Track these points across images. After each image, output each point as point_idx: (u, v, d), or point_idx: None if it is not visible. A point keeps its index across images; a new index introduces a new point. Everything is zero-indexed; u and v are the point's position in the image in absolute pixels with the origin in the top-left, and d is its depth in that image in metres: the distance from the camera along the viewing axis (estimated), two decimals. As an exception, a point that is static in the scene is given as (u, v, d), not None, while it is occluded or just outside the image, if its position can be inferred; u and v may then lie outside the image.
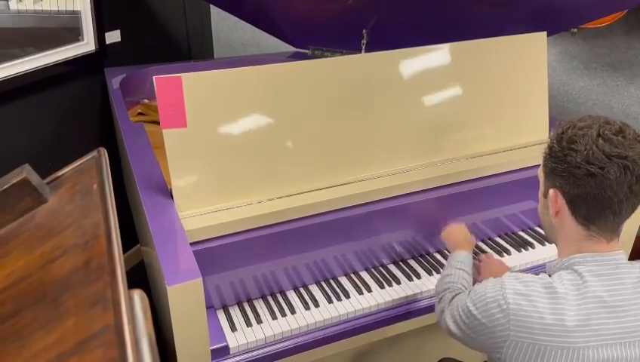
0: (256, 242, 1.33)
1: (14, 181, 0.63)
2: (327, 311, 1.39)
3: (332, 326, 1.38)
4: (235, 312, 1.38)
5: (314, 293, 1.44)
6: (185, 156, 1.32)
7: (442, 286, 1.24)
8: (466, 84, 1.62)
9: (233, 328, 1.32)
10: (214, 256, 1.29)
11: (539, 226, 1.75)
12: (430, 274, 1.52)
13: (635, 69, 2.42)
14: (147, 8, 2.50)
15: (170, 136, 1.29)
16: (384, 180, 1.48)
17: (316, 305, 1.40)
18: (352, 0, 1.99)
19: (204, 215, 1.32)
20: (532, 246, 1.65)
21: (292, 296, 1.44)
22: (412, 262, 1.57)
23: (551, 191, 1.01)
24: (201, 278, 1.11)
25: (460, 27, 1.84)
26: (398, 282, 1.49)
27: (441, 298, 1.21)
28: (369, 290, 1.46)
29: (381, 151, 1.52)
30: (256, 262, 1.36)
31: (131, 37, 2.37)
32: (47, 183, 0.69)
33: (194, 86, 1.29)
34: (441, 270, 1.53)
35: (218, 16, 3.03)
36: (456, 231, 1.44)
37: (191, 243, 1.23)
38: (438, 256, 1.60)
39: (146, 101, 2.25)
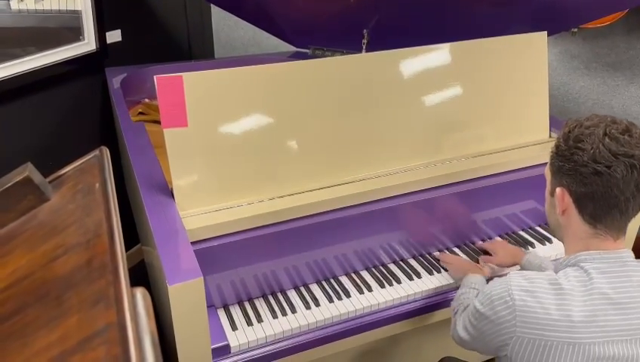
0: (257, 241, 1.33)
1: (17, 179, 0.64)
2: (328, 311, 1.39)
3: (333, 326, 1.38)
4: (235, 311, 1.38)
5: (314, 292, 1.45)
6: (186, 155, 1.32)
7: (457, 301, 1.27)
8: (467, 83, 1.62)
9: (234, 327, 1.33)
10: (215, 255, 1.29)
11: (539, 226, 1.75)
12: (431, 273, 1.53)
13: (635, 69, 2.42)
14: (148, 8, 2.50)
15: (171, 136, 1.29)
16: (384, 180, 1.48)
17: (317, 304, 1.41)
18: (353, 0, 1.99)
19: (204, 214, 1.32)
20: (532, 245, 1.65)
21: (293, 295, 1.44)
22: (412, 262, 1.57)
23: (558, 189, 1.01)
24: (202, 277, 1.11)
25: (460, 27, 1.84)
26: (399, 281, 1.49)
27: (455, 312, 1.24)
28: (370, 290, 1.46)
29: (382, 150, 1.52)
30: (257, 261, 1.37)
31: (132, 36, 2.37)
32: (50, 182, 0.69)
33: (195, 85, 1.29)
34: (441, 269, 1.54)
35: (219, 16, 3.03)
36: (460, 263, 1.50)
37: (192, 243, 1.23)
38: (438, 256, 1.60)
39: (146, 100, 2.25)
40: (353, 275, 1.52)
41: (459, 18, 1.97)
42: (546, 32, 1.70)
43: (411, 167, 1.55)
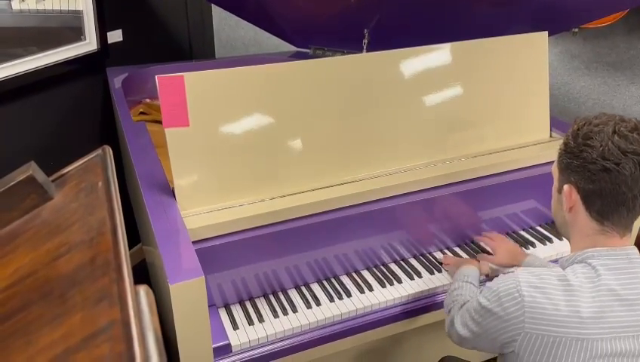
0: (258, 241, 1.33)
1: (20, 178, 0.64)
2: (329, 310, 1.39)
3: (333, 325, 1.38)
4: (237, 310, 1.38)
5: (315, 292, 1.45)
6: (187, 155, 1.32)
7: (451, 298, 1.27)
8: (467, 83, 1.62)
9: (235, 326, 1.33)
10: (216, 254, 1.29)
11: (540, 226, 1.75)
12: (431, 273, 1.53)
13: (636, 69, 2.42)
14: (149, 8, 2.51)
15: (172, 135, 1.29)
16: (385, 179, 1.49)
17: (318, 303, 1.41)
18: (353, 0, 1.99)
19: (206, 213, 1.32)
20: (533, 245, 1.66)
21: (294, 294, 1.44)
22: (413, 261, 1.57)
23: (565, 186, 1.02)
24: (203, 277, 1.11)
25: (461, 27, 1.85)
26: (400, 281, 1.49)
27: (450, 309, 1.23)
28: (370, 289, 1.46)
29: (382, 150, 1.53)
30: (258, 260, 1.37)
31: (133, 36, 2.37)
32: (53, 181, 0.69)
33: (196, 85, 1.30)
34: (442, 269, 1.54)
35: (219, 16, 3.03)
36: (457, 260, 1.51)
37: (193, 242, 1.23)
38: (439, 255, 1.61)
39: (147, 100, 2.25)
40: (354, 275, 1.52)
41: (459, 18, 1.97)
42: (546, 32, 1.71)
43: (411, 166, 1.55)
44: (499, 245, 1.55)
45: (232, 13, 2.45)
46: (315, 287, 1.47)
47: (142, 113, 2.22)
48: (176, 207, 1.31)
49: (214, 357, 1.26)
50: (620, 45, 2.42)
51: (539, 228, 1.74)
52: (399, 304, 1.45)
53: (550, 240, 1.68)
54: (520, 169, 1.63)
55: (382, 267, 1.55)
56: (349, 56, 1.54)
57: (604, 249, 0.99)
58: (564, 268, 1.03)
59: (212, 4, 2.90)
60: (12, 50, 1.82)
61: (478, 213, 1.62)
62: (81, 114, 2.19)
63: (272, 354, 1.32)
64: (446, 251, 1.63)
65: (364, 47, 2.11)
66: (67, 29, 2.01)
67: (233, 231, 1.31)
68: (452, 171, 1.54)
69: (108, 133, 2.30)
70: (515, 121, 1.70)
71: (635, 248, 1.01)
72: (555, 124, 1.79)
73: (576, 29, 2.28)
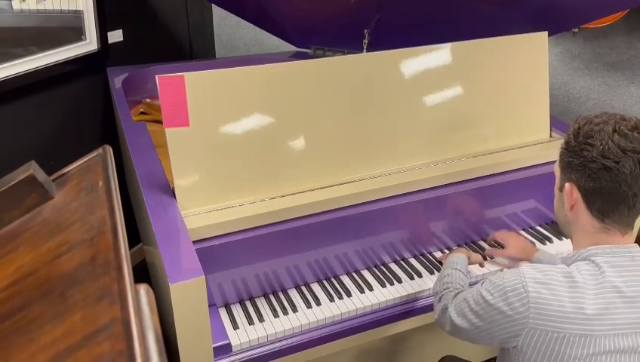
0: (258, 240, 1.33)
1: (21, 178, 0.64)
2: (329, 310, 1.39)
3: (334, 325, 1.38)
4: (237, 310, 1.38)
5: (316, 292, 1.45)
6: (187, 155, 1.32)
7: (441, 285, 1.26)
8: (467, 83, 1.63)
9: (235, 326, 1.33)
10: (216, 254, 1.29)
11: (540, 225, 1.75)
12: (432, 273, 1.53)
13: (635, 69, 2.43)
14: (149, 8, 2.51)
15: (172, 135, 1.30)
16: (385, 179, 1.49)
17: (318, 303, 1.41)
18: (353, 0, 2.00)
19: (206, 213, 1.33)
20: (533, 244, 1.66)
21: (294, 294, 1.44)
22: (413, 261, 1.57)
23: (567, 184, 1.03)
24: (203, 276, 1.12)
25: (461, 27, 1.85)
26: (400, 281, 1.50)
27: (441, 296, 1.23)
28: (370, 289, 1.46)
29: (382, 150, 1.53)
30: (259, 260, 1.37)
31: (133, 36, 2.37)
32: (53, 180, 0.70)
33: (196, 85, 1.30)
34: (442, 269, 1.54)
35: (220, 16, 3.03)
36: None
37: (193, 242, 1.23)
38: (439, 255, 1.61)
39: (148, 100, 2.25)
40: (354, 274, 1.52)
41: (459, 18, 1.97)
42: (546, 32, 1.71)
43: (411, 166, 1.55)
44: (511, 239, 1.57)
45: (233, 13, 2.45)
46: (315, 287, 1.47)
47: (142, 113, 2.22)
48: (177, 207, 1.31)
49: (214, 357, 1.26)
50: (620, 45, 2.43)
51: (539, 228, 1.74)
52: (399, 304, 1.45)
53: (550, 240, 1.68)
54: (520, 169, 1.63)
55: (382, 267, 1.55)
56: (349, 56, 1.55)
57: (607, 246, 1.00)
58: (567, 266, 1.03)
59: (212, 4, 2.90)
60: (12, 50, 1.82)
61: (478, 213, 1.63)
62: (82, 114, 2.20)
63: (272, 353, 1.32)
64: (446, 251, 1.63)
65: (364, 47, 2.11)
66: (67, 28, 2.01)
67: (233, 230, 1.31)
68: (452, 171, 1.54)
69: (108, 133, 2.30)
70: (515, 121, 1.70)
71: (637, 246, 1.02)
72: (555, 124, 1.79)
73: (576, 29, 2.28)
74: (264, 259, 1.38)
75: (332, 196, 1.41)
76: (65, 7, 1.97)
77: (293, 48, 2.52)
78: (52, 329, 0.48)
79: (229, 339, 1.29)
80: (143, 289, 0.50)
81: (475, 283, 1.28)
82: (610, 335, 0.95)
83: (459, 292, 1.18)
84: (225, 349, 1.28)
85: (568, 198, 1.03)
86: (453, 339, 1.21)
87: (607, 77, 2.49)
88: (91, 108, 2.25)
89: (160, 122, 1.55)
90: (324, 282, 1.49)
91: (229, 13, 2.50)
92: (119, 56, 2.27)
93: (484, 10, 1.94)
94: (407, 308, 1.45)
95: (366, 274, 1.53)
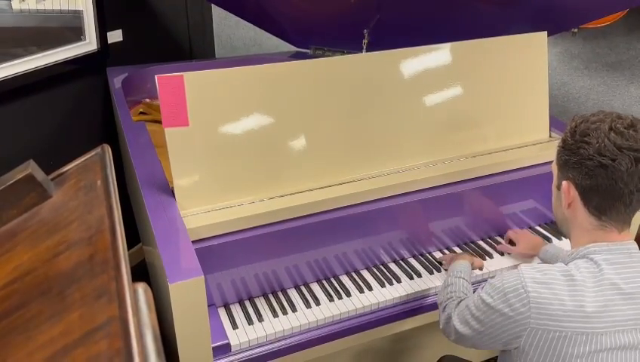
0: (257, 240, 1.33)
1: (19, 177, 0.64)
2: (329, 309, 1.39)
3: (333, 325, 1.38)
4: (236, 310, 1.38)
5: (315, 291, 1.45)
6: (187, 154, 1.32)
7: (445, 295, 1.27)
8: (467, 83, 1.63)
9: (234, 326, 1.33)
10: (216, 253, 1.29)
11: (539, 225, 1.75)
12: (431, 273, 1.53)
13: (635, 69, 2.43)
14: (149, 8, 2.51)
15: (172, 135, 1.30)
16: (385, 179, 1.49)
17: (317, 303, 1.41)
18: (353, 0, 2.00)
19: (205, 213, 1.33)
20: (549, 241, 1.65)
21: (293, 294, 1.44)
22: (413, 261, 1.57)
23: (564, 182, 1.04)
24: (202, 276, 1.12)
25: (460, 27, 1.85)
26: (399, 281, 1.50)
27: (445, 306, 1.23)
28: (370, 289, 1.46)
29: (382, 150, 1.53)
30: (258, 260, 1.37)
31: (133, 36, 2.38)
32: (52, 179, 0.70)
33: (196, 85, 1.30)
34: (441, 269, 1.54)
35: (220, 16, 3.04)
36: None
37: (193, 241, 1.23)
38: (438, 255, 1.61)
39: (147, 100, 2.25)
40: (353, 274, 1.52)
41: (459, 18, 1.98)
42: (546, 32, 1.71)
43: (411, 166, 1.55)
44: (520, 237, 1.59)
45: (232, 13, 2.46)
46: (315, 287, 1.47)
47: (142, 113, 2.22)
48: (176, 207, 1.31)
49: (214, 357, 1.26)
50: (620, 45, 2.43)
51: (538, 228, 1.74)
52: (399, 304, 1.45)
53: (549, 240, 1.68)
54: (519, 169, 1.63)
55: (381, 267, 1.55)
56: (349, 56, 1.55)
57: (605, 244, 1.01)
58: (566, 264, 1.03)
59: (212, 4, 2.90)
60: (12, 50, 1.82)
61: (478, 213, 1.63)
62: (81, 114, 2.20)
63: (272, 353, 1.32)
64: (445, 251, 1.63)
65: (364, 47, 2.12)
66: (67, 29, 2.01)
67: (233, 230, 1.31)
68: (451, 171, 1.54)
69: (108, 132, 2.30)
70: (515, 120, 1.71)
71: (634, 243, 1.03)
72: (555, 124, 1.79)
73: (576, 29, 2.28)
74: (263, 259, 1.38)
75: (331, 196, 1.41)
76: (64, 7, 1.97)
77: (293, 48, 2.52)
78: (50, 327, 0.48)
79: (228, 339, 1.29)
80: (141, 288, 0.50)
81: (480, 282, 1.29)
82: (611, 332, 0.95)
83: (461, 300, 1.18)
84: (224, 349, 1.28)
85: (565, 196, 1.04)
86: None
87: (607, 77, 2.49)
88: (91, 108, 2.25)
89: (159, 122, 1.55)
90: (324, 282, 1.49)
91: (228, 13, 2.50)
92: (119, 56, 2.27)
93: (483, 10, 1.94)
94: (407, 308, 1.45)
95: (365, 274, 1.52)
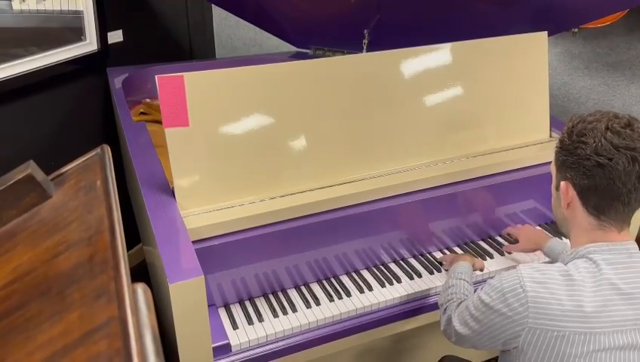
0: (257, 240, 1.33)
1: (19, 177, 0.64)
2: (329, 310, 1.39)
3: (333, 325, 1.38)
4: (236, 310, 1.38)
5: (315, 291, 1.45)
6: (187, 155, 1.32)
7: (446, 297, 1.27)
8: (467, 83, 1.63)
9: (235, 326, 1.33)
10: (216, 254, 1.29)
11: (539, 225, 1.75)
12: (431, 273, 1.53)
13: (635, 69, 2.43)
14: (149, 8, 2.51)
15: (172, 135, 1.30)
16: (385, 179, 1.49)
17: (317, 303, 1.41)
18: (353, 0, 2.00)
19: (205, 213, 1.33)
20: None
21: (293, 294, 1.44)
22: (413, 261, 1.57)
23: (562, 183, 1.04)
24: (203, 276, 1.12)
25: (461, 27, 1.85)
26: (399, 281, 1.49)
27: (445, 308, 1.23)
28: (370, 289, 1.46)
29: (382, 150, 1.53)
30: (258, 260, 1.37)
31: (133, 37, 2.38)
32: (52, 179, 0.70)
33: (196, 85, 1.30)
34: (442, 269, 1.54)
35: (220, 16, 3.04)
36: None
37: (193, 242, 1.23)
38: (439, 255, 1.61)
39: (147, 100, 2.25)
40: (354, 274, 1.52)
41: (459, 18, 1.98)
42: (546, 32, 1.71)
43: (411, 166, 1.55)
44: (520, 233, 1.59)
45: (232, 13, 2.46)
46: (315, 287, 1.47)
47: (142, 113, 2.22)
48: (176, 207, 1.31)
49: (214, 357, 1.26)
50: (620, 45, 2.43)
51: (538, 228, 1.74)
52: (399, 304, 1.45)
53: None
54: (519, 169, 1.63)
55: (381, 267, 1.55)
56: (349, 56, 1.55)
57: (604, 244, 1.01)
58: (565, 264, 1.03)
59: (212, 4, 2.90)
60: (13, 51, 1.82)
61: (478, 213, 1.63)
62: (82, 114, 2.20)
63: (272, 353, 1.32)
64: (446, 251, 1.63)
65: (364, 47, 2.12)
66: (67, 29, 2.01)
67: (233, 230, 1.31)
68: (452, 171, 1.54)
69: (108, 133, 2.30)
70: (515, 121, 1.70)
71: (634, 243, 1.03)
72: (555, 124, 1.79)
73: (576, 29, 2.28)
74: (264, 259, 1.38)
75: (332, 196, 1.41)
76: (65, 8, 1.97)
77: (293, 48, 2.52)
78: (49, 327, 0.48)
79: (228, 339, 1.29)
80: (141, 288, 0.50)
81: (481, 283, 1.29)
82: (609, 332, 0.95)
83: (461, 302, 1.18)
84: (224, 349, 1.28)
85: (564, 196, 1.04)
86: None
87: (607, 77, 2.49)
88: (91, 109, 2.25)
89: (160, 122, 1.55)
90: (324, 282, 1.49)
91: (229, 13, 2.50)
92: (119, 57, 2.27)
93: (483, 10, 1.94)
94: (407, 308, 1.45)
95: (365, 274, 1.52)
